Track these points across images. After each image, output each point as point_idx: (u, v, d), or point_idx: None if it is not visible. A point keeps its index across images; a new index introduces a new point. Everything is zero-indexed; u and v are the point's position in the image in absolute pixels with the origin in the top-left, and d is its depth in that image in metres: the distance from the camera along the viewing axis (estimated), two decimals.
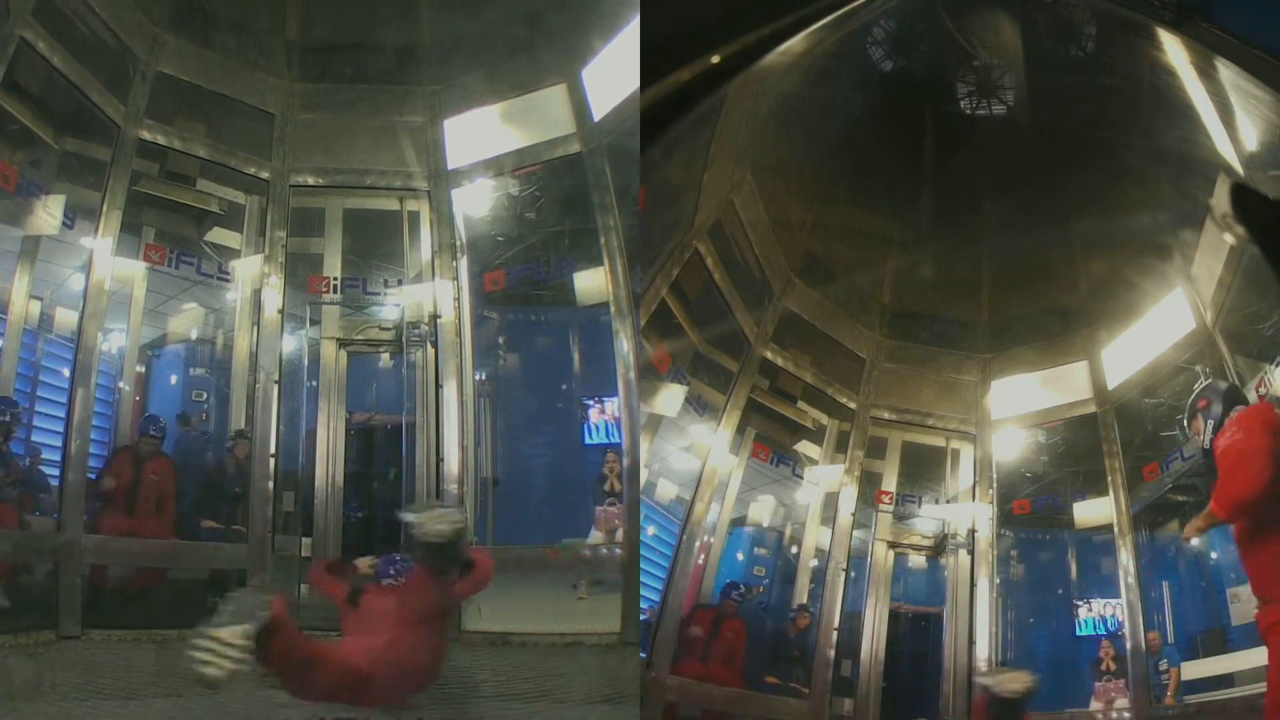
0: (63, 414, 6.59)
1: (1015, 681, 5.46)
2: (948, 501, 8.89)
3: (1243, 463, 3.96)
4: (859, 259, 8.77)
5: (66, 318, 7.25)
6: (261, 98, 7.65)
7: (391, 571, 5.26)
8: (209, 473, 7.66)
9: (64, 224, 6.81)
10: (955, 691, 8.06)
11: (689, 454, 8.34)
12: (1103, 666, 7.86)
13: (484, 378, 8.19)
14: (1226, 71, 5.84)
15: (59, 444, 6.52)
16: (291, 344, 7.87)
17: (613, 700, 5.16)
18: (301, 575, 7.25)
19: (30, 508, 6.66)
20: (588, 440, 9.12)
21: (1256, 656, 4.09)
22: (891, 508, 8.92)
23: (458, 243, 7.66)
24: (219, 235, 7.87)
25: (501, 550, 7.53)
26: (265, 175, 7.62)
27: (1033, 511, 8.80)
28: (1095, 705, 7.78)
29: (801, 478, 8.97)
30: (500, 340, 8.83)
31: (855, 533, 8.58)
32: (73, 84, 6.46)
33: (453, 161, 7.71)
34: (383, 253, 8.25)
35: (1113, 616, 8.32)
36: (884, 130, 8.45)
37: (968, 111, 8.82)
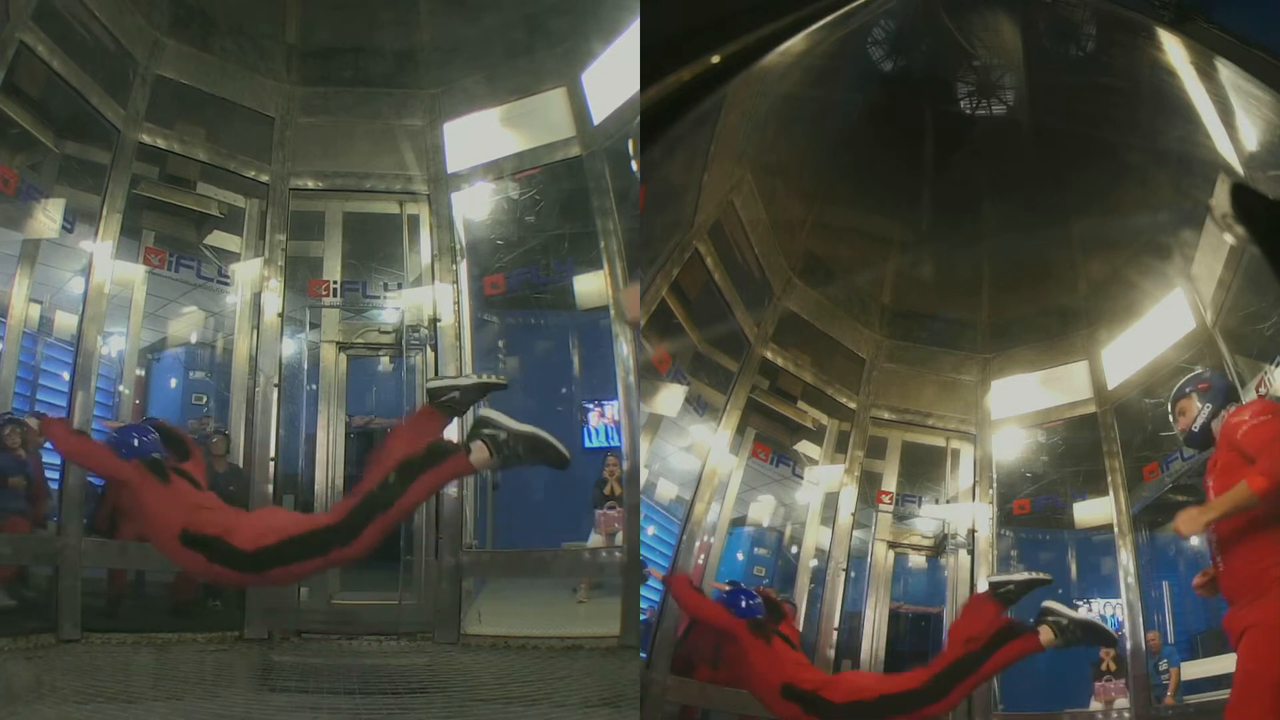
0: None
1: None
2: (948, 501, 8.89)
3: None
4: (859, 259, 8.77)
5: (66, 321, 7.27)
6: (261, 101, 7.64)
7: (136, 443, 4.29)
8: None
9: (64, 227, 6.80)
10: None
11: (689, 454, 8.35)
12: (1103, 666, 7.85)
13: None
14: (1226, 71, 5.85)
15: None
16: (291, 347, 7.86)
17: (613, 703, 5.15)
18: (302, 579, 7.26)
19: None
20: (587, 444, 9.12)
21: None
22: (891, 508, 8.92)
23: (457, 246, 7.65)
24: (219, 239, 7.87)
25: (501, 554, 7.54)
26: (265, 179, 7.61)
27: (1033, 511, 8.80)
28: (1095, 705, 7.77)
29: (801, 478, 8.97)
30: (500, 344, 8.85)
31: (855, 533, 8.58)
32: (73, 88, 6.45)
33: (452, 165, 7.70)
34: (382, 256, 8.26)
35: (1113, 616, 8.31)
36: (884, 130, 8.45)
37: (968, 111, 8.83)
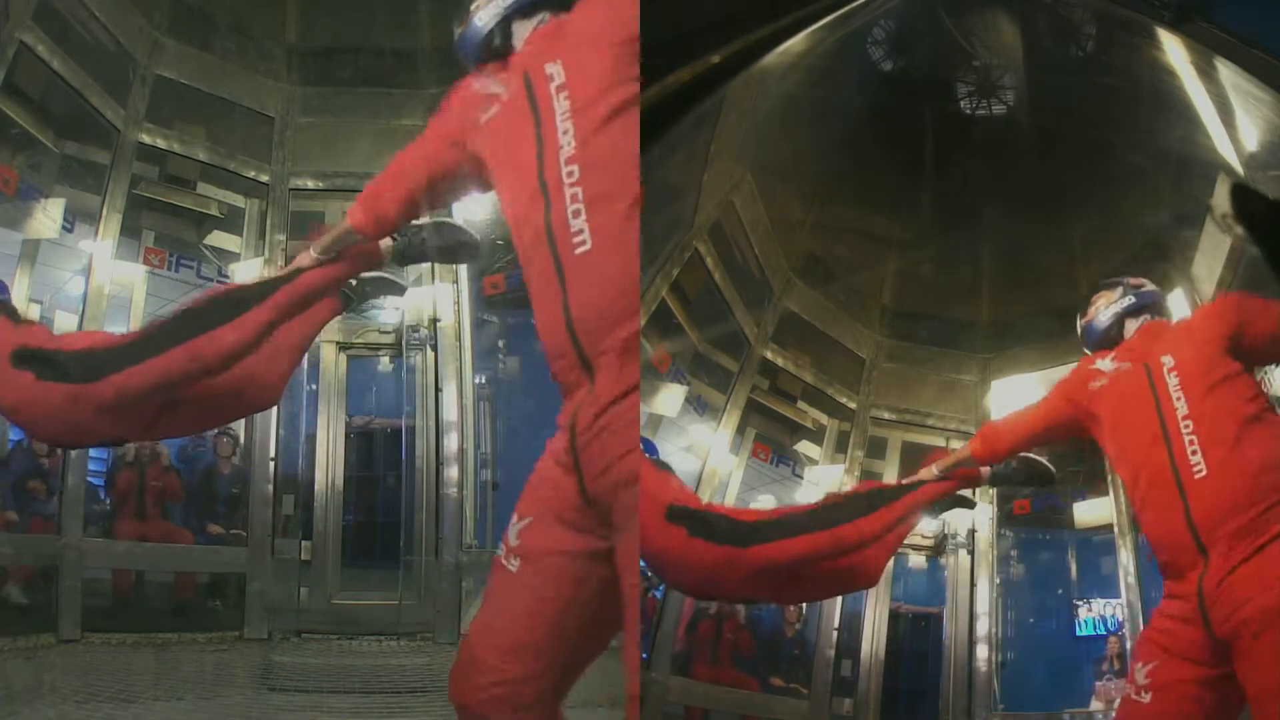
0: None
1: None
2: None
3: None
4: (859, 259, 8.76)
5: (66, 321, 7.24)
6: (261, 101, 7.65)
7: None
8: (202, 474, 7.63)
9: (64, 227, 6.80)
10: (955, 691, 8.05)
11: (689, 454, 8.34)
12: (1104, 665, 7.86)
13: (484, 381, 8.20)
14: (1226, 71, 5.84)
15: None
16: None
17: (614, 703, 5.15)
18: (302, 579, 7.26)
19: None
20: None
21: None
22: None
23: None
24: (219, 239, 7.86)
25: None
26: (265, 179, 7.62)
27: (1033, 511, 8.77)
28: (1096, 705, 7.77)
29: (801, 478, 8.95)
30: (500, 344, 8.84)
31: None
32: (72, 88, 6.45)
33: None
34: None
35: (1113, 616, 8.31)
36: (884, 130, 8.45)
37: (968, 111, 8.82)
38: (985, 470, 4.00)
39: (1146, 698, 2.87)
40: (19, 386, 3.01)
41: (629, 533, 2.00)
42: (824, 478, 8.74)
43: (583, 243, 2.08)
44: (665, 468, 3.86)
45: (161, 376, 2.92)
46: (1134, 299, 3.55)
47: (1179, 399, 3.06)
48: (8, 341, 3.10)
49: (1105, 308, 3.59)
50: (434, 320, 7.51)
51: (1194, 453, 2.91)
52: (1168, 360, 3.17)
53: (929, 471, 3.93)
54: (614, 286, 2.06)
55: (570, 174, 2.13)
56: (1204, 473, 2.86)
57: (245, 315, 3.03)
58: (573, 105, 2.20)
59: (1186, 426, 2.98)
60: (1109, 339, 3.56)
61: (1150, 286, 3.67)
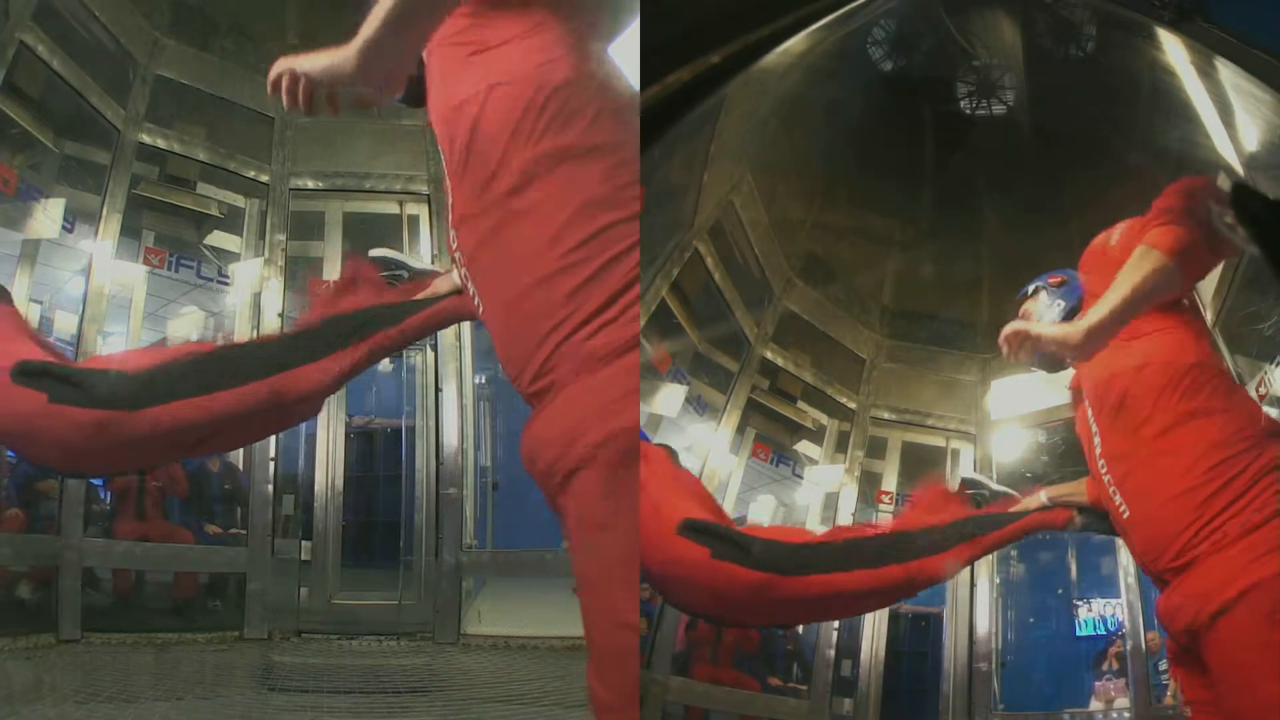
0: None
1: None
2: None
3: None
4: (859, 259, 8.77)
5: (66, 321, 7.25)
6: (261, 101, 7.63)
7: None
8: (194, 473, 7.62)
9: (64, 227, 6.80)
10: (955, 691, 8.05)
11: (689, 454, 8.33)
12: (1104, 665, 7.87)
13: (484, 381, 8.20)
14: (1226, 71, 5.84)
15: None
16: None
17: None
18: (302, 579, 7.26)
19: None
20: None
21: None
22: (891, 508, 8.91)
23: None
24: (219, 239, 7.87)
25: (501, 554, 7.54)
26: (265, 179, 7.62)
27: None
28: (1095, 705, 7.78)
29: (801, 478, 8.96)
30: None
31: None
32: (72, 87, 6.45)
33: None
34: None
35: (1113, 616, 8.32)
36: (884, 130, 8.45)
37: (968, 111, 8.82)
38: (1077, 518, 3.38)
39: (1188, 712, 2.74)
40: (25, 406, 2.40)
41: (580, 552, 1.88)
42: (824, 478, 8.75)
43: (479, 306, 2.03)
44: (673, 456, 3.36)
45: (233, 409, 2.46)
46: (1063, 303, 3.03)
47: (1095, 432, 2.78)
48: (6, 348, 2.54)
49: (1048, 315, 3.10)
50: None
51: (1115, 494, 2.70)
52: (1078, 382, 2.88)
53: (1035, 499, 3.41)
54: (502, 340, 1.98)
55: (453, 239, 2.04)
56: (1128, 513, 2.67)
57: (339, 354, 2.64)
58: (448, 158, 2.03)
59: (1102, 466, 2.75)
60: (1055, 356, 2.93)
61: (1073, 279, 3.08)
